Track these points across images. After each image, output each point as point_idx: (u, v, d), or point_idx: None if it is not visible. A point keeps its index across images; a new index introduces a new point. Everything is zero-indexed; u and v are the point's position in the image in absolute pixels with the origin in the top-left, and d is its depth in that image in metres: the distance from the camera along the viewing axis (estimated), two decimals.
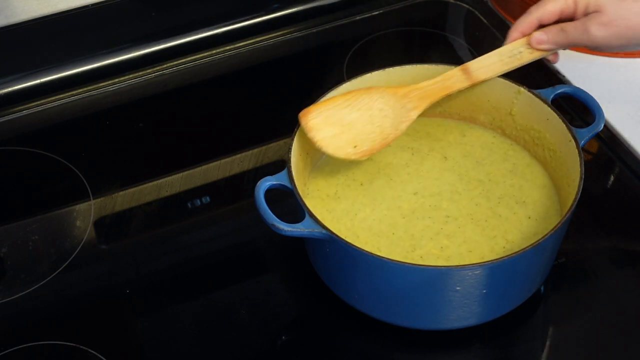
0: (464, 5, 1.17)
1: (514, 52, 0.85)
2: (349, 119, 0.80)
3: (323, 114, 0.80)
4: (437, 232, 0.80)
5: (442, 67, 0.87)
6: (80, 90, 1.05)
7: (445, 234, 0.79)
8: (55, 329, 0.80)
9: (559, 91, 0.86)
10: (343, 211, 0.82)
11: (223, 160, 0.96)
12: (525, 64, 0.86)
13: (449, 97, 0.89)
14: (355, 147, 0.80)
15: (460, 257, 0.77)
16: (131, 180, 0.94)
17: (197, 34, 1.10)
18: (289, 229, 0.73)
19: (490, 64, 0.85)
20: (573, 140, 0.80)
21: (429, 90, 0.84)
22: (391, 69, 0.87)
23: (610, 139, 0.95)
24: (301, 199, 0.75)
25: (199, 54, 1.10)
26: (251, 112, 1.03)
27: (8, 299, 0.82)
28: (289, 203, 0.77)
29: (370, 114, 0.81)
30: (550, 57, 0.88)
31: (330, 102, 0.81)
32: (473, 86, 0.86)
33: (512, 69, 0.85)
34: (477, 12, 1.15)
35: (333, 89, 0.85)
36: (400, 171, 0.86)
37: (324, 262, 0.79)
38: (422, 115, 0.91)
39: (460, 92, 0.88)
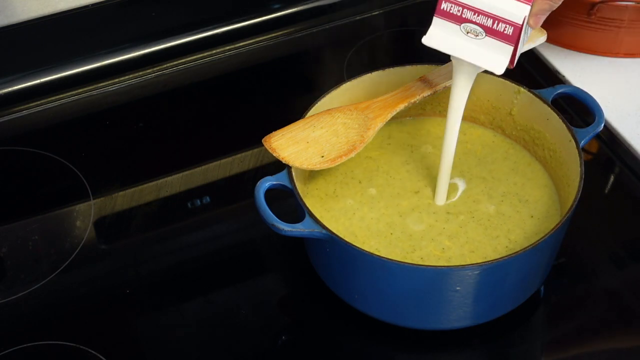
0: None
1: None
2: (313, 135, 0.81)
3: (286, 135, 0.80)
4: (439, 232, 0.79)
5: (441, 67, 0.87)
6: (80, 90, 1.05)
7: (447, 234, 0.79)
8: (55, 329, 0.80)
9: (559, 91, 0.86)
10: (341, 210, 0.82)
11: (223, 160, 0.96)
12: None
13: (448, 97, 0.89)
14: (322, 156, 0.80)
15: (462, 258, 0.77)
16: (131, 180, 0.94)
17: (197, 34, 1.10)
18: (289, 229, 0.73)
19: (448, 71, 0.86)
20: (573, 140, 0.80)
21: (390, 100, 0.84)
22: (391, 69, 0.87)
23: (610, 139, 0.95)
24: (301, 199, 0.75)
25: (199, 54, 1.10)
26: (251, 112, 1.03)
27: (8, 299, 0.82)
28: (289, 203, 0.77)
29: (334, 129, 0.81)
30: None
31: (292, 125, 0.81)
32: (436, 93, 0.85)
33: None
34: None
35: (333, 89, 0.85)
36: (400, 169, 0.86)
37: (324, 262, 0.79)
38: (422, 115, 0.91)
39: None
